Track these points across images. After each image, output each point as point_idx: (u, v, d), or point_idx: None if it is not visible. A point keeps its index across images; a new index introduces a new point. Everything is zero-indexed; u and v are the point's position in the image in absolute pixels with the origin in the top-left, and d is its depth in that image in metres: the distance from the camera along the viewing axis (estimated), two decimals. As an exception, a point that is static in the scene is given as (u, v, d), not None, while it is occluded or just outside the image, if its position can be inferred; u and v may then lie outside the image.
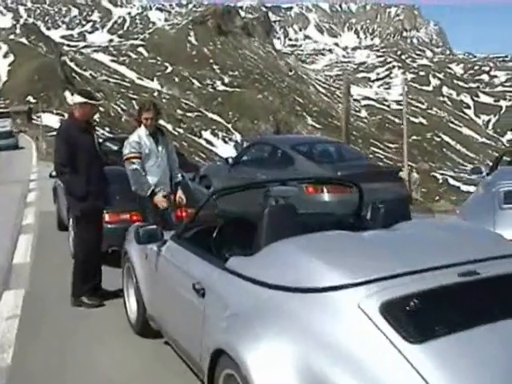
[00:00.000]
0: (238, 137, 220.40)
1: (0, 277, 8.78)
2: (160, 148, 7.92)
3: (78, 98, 7.32)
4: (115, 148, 16.38)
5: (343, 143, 14.26)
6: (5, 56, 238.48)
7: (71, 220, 9.63)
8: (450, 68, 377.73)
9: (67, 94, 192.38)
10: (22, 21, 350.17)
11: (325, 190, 10.47)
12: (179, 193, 8.00)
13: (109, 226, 8.60)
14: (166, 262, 5.30)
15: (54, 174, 11.88)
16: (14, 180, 25.18)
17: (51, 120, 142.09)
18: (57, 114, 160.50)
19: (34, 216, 14.69)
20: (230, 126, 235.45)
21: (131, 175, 7.73)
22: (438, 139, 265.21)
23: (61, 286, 7.98)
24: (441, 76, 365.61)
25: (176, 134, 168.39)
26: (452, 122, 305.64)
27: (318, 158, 11.91)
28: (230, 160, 13.43)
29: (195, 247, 4.93)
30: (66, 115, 8.03)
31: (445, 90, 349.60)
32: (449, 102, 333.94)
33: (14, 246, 10.97)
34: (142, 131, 7.87)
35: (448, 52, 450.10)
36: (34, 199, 18.15)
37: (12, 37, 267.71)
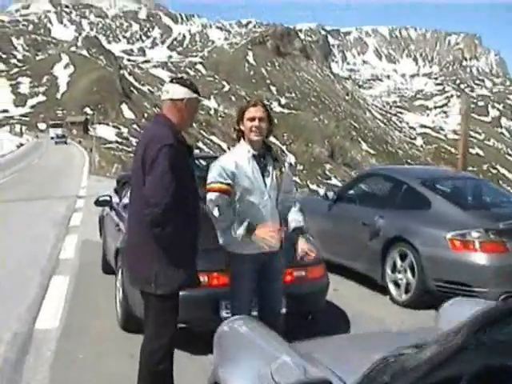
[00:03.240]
0: (291, 159, 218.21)
1: (10, 355, 5.84)
2: (269, 180, 4.81)
3: (181, 90, 4.24)
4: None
5: (483, 180, 10.93)
6: (65, 67, 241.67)
7: (119, 280, 6.72)
8: (509, 99, 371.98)
9: (124, 107, 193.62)
10: (84, 34, 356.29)
11: (477, 245, 7.39)
12: (301, 243, 4.87)
13: (176, 292, 5.70)
14: None
15: (101, 199, 9.02)
16: (60, 196, 22.34)
17: (107, 132, 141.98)
18: (113, 126, 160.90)
19: (75, 248, 11.77)
20: (284, 147, 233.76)
21: (213, 216, 4.74)
22: (494, 171, 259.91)
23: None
24: (500, 107, 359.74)
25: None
26: (509, 155, 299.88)
27: (460, 199, 8.73)
28: (331, 194, 9.99)
29: None
30: (153, 119, 4.62)
31: (503, 121, 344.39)
32: (507, 134, 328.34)
33: (43, 296, 8.01)
34: (241, 149, 4.84)
35: (508, 83, 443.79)
36: (78, 223, 15.18)
37: (73, 49, 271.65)
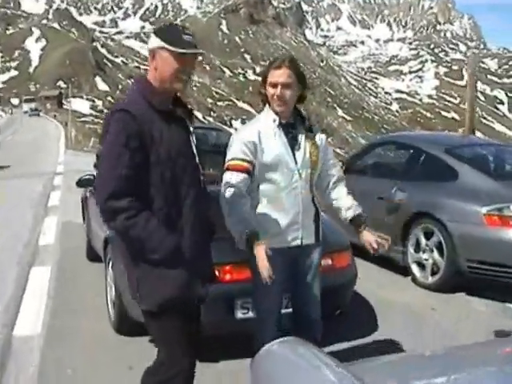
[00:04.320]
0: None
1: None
2: (301, 155, 3.83)
3: (151, 39, 3.24)
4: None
5: (508, 145, 9.89)
6: (37, 41, 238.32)
7: (110, 275, 5.76)
8: (483, 63, 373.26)
9: (98, 79, 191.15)
10: (54, 6, 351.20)
11: (515, 222, 6.48)
12: (368, 236, 3.88)
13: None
14: None
15: (83, 179, 8.00)
16: (37, 173, 21.16)
17: (81, 106, 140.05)
18: (87, 99, 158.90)
19: (55, 231, 10.66)
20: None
21: (223, 199, 3.69)
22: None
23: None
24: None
25: (206, 122, 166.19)
26: (485, 118, 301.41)
27: (489, 168, 7.78)
28: None
29: None
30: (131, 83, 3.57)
31: (478, 85, 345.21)
32: (482, 98, 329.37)
33: (21, 293, 6.93)
34: (266, 117, 3.86)
35: (482, 46, 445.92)
36: (57, 202, 14.06)
37: (44, 22, 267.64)
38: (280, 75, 3.74)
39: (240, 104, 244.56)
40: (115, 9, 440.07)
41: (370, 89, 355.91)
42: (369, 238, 3.83)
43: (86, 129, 74.71)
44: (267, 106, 3.86)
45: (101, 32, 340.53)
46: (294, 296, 4.05)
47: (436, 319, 6.19)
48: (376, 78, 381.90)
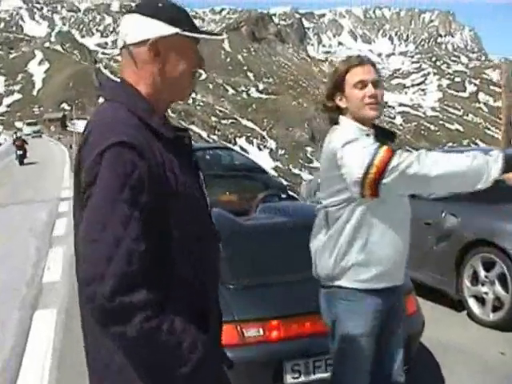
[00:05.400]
0: (272, 144, 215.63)
1: None
2: None
3: (144, 24, 1.97)
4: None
5: None
6: (39, 64, 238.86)
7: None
8: (486, 74, 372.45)
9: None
10: (56, 29, 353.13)
11: None
12: None
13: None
14: None
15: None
16: (41, 199, 20.16)
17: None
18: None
19: (62, 266, 9.72)
20: (264, 133, 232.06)
21: (436, 173, 2.70)
22: (475, 146, 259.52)
23: None
24: (477, 82, 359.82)
25: (211, 141, 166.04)
26: (488, 129, 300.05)
27: None
28: None
29: None
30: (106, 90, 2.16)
31: (481, 96, 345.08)
32: (485, 109, 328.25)
33: (24, 343, 6.07)
34: (354, 134, 2.96)
35: (484, 58, 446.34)
36: (63, 231, 12.94)
37: (47, 45, 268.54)
38: (367, 72, 3.07)
39: (244, 122, 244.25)
40: (117, 30, 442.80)
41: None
42: None
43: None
44: (344, 121, 3.08)
45: (103, 53, 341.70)
46: (380, 348, 3.13)
47: (508, 366, 5.28)
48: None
